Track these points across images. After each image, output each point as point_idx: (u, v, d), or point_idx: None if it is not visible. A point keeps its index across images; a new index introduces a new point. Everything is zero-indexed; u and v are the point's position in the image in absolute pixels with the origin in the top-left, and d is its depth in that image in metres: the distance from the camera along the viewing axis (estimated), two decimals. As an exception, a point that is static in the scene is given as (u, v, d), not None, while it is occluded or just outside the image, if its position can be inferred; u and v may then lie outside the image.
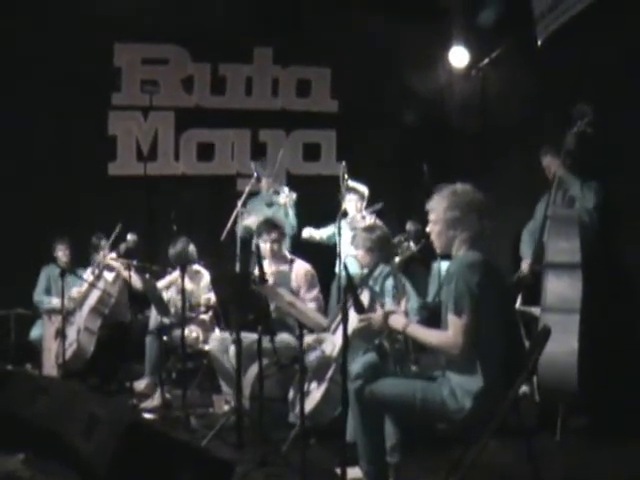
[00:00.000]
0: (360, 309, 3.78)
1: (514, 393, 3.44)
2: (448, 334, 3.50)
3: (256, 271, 4.74)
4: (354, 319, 4.58)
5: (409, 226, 5.99)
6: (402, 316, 3.77)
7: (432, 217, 3.74)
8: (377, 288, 5.08)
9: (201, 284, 6.83)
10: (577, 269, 5.17)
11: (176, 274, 6.40)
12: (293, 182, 8.35)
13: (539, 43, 6.37)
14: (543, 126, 6.62)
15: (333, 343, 5.07)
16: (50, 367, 6.90)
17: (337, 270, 6.51)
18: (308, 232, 7.32)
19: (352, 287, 3.76)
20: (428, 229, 3.80)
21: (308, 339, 5.36)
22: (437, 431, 3.78)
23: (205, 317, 6.60)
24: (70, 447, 3.07)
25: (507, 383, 3.46)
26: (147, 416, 5.81)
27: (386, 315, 3.78)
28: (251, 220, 7.16)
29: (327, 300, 6.50)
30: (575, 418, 5.23)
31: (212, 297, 6.38)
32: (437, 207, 3.70)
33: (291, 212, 7.33)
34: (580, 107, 5.32)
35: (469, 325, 3.42)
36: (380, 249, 5.20)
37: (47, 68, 7.86)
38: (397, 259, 4.47)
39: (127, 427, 2.95)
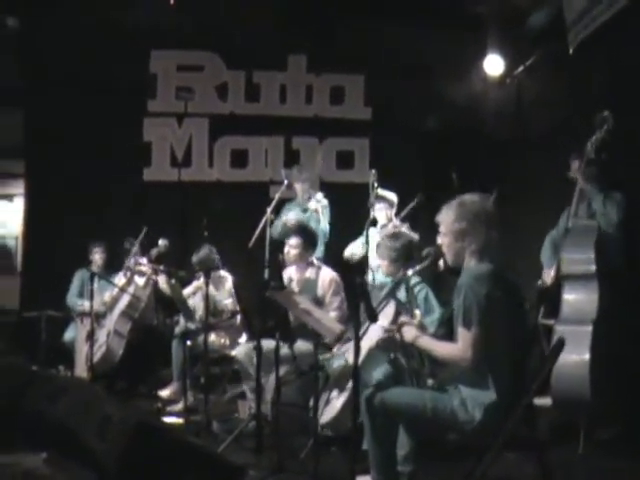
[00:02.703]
0: (373, 317, 3.76)
1: (525, 404, 3.38)
2: (458, 346, 3.49)
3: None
4: (376, 330, 4.58)
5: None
6: (414, 328, 3.75)
7: (441, 229, 3.71)
8: (404, 299, 5.04)
9: (223, 289, 6.87)
10: (593, 279, 5.08)
11: (202, 280, 6.45)
12: (326, 190, 8.32)
13: (570, 51, 6.30)
14: (577, 133, 6.53)
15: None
16: (81, 369, 6.99)
17: (368, 278, 6.45)
18: (348, 251, 7.17)
19: (365, 295, 3.74)
20: (439, 241, 3.77)
21: (335, 348, 5.36)
22: (449, 441, 3.73)
23: (232, 322, 6.63)
24: (86, 446, 3.11)
25: (518, 395, 3.41)
26: (171, 420, 5.86)
27: (400, 325, 3.78)
28: (290, 216, 7.16)
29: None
30: (601, 430, 5.13)
31: (232, 302, 6.43)
32: (445, 219, 3.67)
33: (323, 218, 7.30)
34: (601, 114, 5.24)
35: (478, 337, 3.39)
36: (405, 258, 5.15)
37: (84, 74, 8.01)
38: (410, 271, 4.38)
39: (136, 428, 2.97)
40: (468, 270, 3.60)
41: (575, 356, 4.85)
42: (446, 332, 4.38)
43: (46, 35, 8.03)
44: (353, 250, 7.04)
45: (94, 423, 3.09)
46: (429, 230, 6.36)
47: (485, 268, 3.54)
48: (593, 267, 5.10)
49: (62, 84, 8.01)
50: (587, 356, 4.89)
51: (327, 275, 5.96)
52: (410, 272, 4.32)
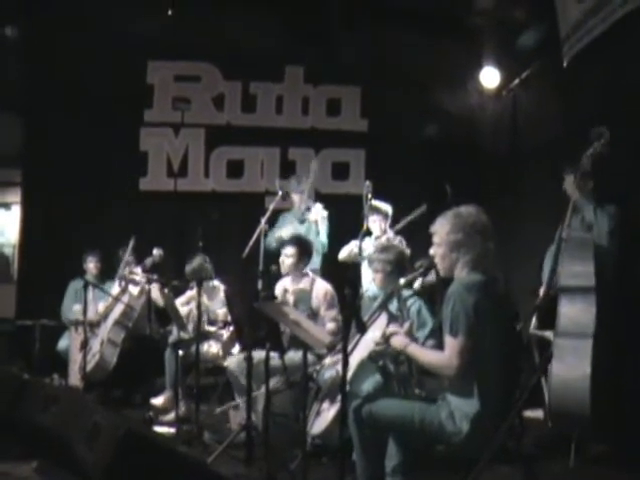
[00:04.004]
0: (362, 328, 3.76)
1: (512, 417, 3.39)
2: (444, 354, 3.50)
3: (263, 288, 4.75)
4: (368, 341, 4.58)
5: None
6: (402, 336, 3.75)
7: (436, 240, 3.72)
8: (395, 310, 5.03)
9: (216, 299, 6.86)
10: (591, 293, 5.05)
11: (195, 290, 6.45)
12: (321, 201, 8.33)
13: (565, 64, 6.32)
14: (574, 147, 6.53)
15: (348, 364, 5.01)
16: (75, 378, 6.98)
17: (361, 290, 6.43)
18: (343, 253, 7.09)
19: (353, 306, 3.75)
20: (432, 252, 3.77)
21: (327, 359, 5.34)
22: (437, 453, 3.73)
23: (224, 332, 6.63)
24: (75, 455, 3.11)
25: (507, 407, 3.41)
26: (163, 429, 5.85)
27: (389, 335, 3.78)
28: (284, 231, 7.14)
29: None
30: (594, 445, 5.11)
31: (225, 312, 6.43)
32: (440, 230, 3.68)
33: (322, 230, 7.26)
34: (597, 128, 5.24)
35: (464, 346, 3.40)
36: (399, 269, 5.13)
37: (82, 84, 8.04)
38: (402, 281, 4.37)
39: (125, 438, 2.97)
40: (459, 279, 3.61)
41: (576, 370, 4.80)
42: (435, 343, 4.40)
43: (45, 45, 8.05)
44: (348, 251, 6.97)
45: (83, 432, 3.10)
46: (425, 243, 6.39)
47: (476, 278, 3.55)
48: (592, 280, 5.05)
49: (60, 94, 8.04)
50: (588, 370, 4.83)
51: (321, 287, 5.96)
52: (402, 281, 4.32)
